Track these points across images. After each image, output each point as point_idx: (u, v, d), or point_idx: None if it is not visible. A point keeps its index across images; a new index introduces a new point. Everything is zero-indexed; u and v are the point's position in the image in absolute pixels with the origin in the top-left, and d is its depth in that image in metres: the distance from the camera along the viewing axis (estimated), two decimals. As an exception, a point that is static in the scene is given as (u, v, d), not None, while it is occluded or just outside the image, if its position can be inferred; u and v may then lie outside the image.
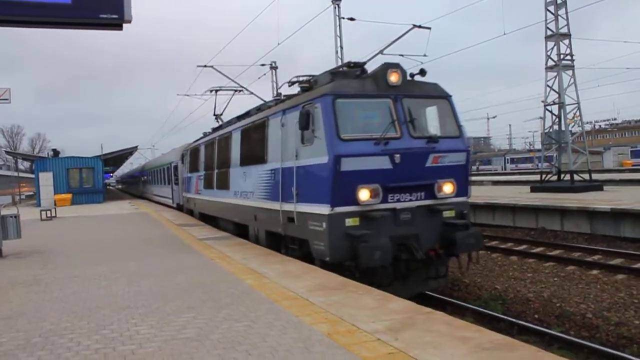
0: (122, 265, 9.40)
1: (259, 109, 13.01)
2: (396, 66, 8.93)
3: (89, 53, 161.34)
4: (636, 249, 13.15)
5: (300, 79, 10.60)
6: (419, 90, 9.17)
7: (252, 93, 19.16)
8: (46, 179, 34.49)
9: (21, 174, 55.49)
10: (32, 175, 45.45)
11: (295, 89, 10.98)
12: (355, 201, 8.21)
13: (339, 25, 25.77)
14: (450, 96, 9.46)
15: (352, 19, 25.20)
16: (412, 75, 9.12)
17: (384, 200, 8.40)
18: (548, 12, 23.42)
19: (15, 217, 11.82)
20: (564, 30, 23.18)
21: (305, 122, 8.53)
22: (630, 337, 7.53)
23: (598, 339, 7.65)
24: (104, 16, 6.49)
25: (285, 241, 10.22)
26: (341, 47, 25.80)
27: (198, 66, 20.15)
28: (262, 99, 16.98)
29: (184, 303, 6.39)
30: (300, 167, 9.08)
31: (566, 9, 23.04)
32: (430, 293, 9.57)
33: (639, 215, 14.18)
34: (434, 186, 8.79)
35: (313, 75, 10.38)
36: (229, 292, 6.89)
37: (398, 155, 8.36)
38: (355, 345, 4.59)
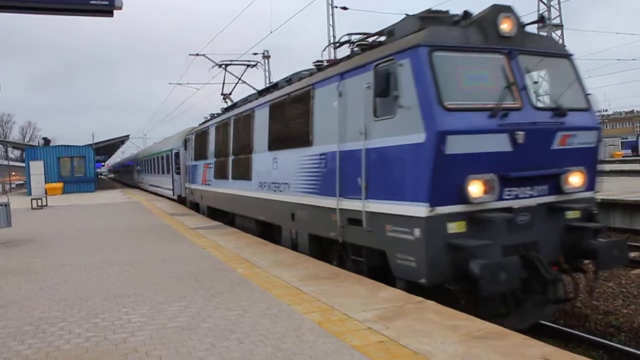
0: (113, 254, 9.38)
1: (289, 80, 10.65)
2: (509, 10, 6.58)
3: (79, 42, 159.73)
4: (625, 239, 13.26)
5: (353, 38, 8.23)
6: (536, 45, 6.84)
7: (243, 81, 19.07)
8: (37, 168, 34.42)
9: (11, 163, 55.14)
10: (23, 164, 45.18)
11: (335, 56, 8.96)
12: (462, 198, 5.95)
13: (332, 15, 25.69)
14: (572, 55, 7.27)
15: (344, 8, 25.18)
16: (523, 25, 6.89)
17: (500, 197, 6.15)
18: (540, 2, 23.47)
19: (6, 205, 11.78)
20: (556, 20, 23.26)
21: (384, 87, 6.35)
22: (618, 326, 7.62)
23: (587, 327, 7.73)
24: (95, 2, 6.46)
25: (344, 250, 7.98)
26: (334, 37, 25.73)
27: (190, 54, 20.12)
28: (254, 88, 16.89)
29: (175, 292, 6.40)
30: (373, 150, 6.82)
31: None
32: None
33: (628, 206, 14.32)
34: (560, 177, 6.61)
35: (368, 33, 8.00)
36: (221, 281, 6.91)
37: (522, 134, 6.11)
38: (347, 333, 4.61)
